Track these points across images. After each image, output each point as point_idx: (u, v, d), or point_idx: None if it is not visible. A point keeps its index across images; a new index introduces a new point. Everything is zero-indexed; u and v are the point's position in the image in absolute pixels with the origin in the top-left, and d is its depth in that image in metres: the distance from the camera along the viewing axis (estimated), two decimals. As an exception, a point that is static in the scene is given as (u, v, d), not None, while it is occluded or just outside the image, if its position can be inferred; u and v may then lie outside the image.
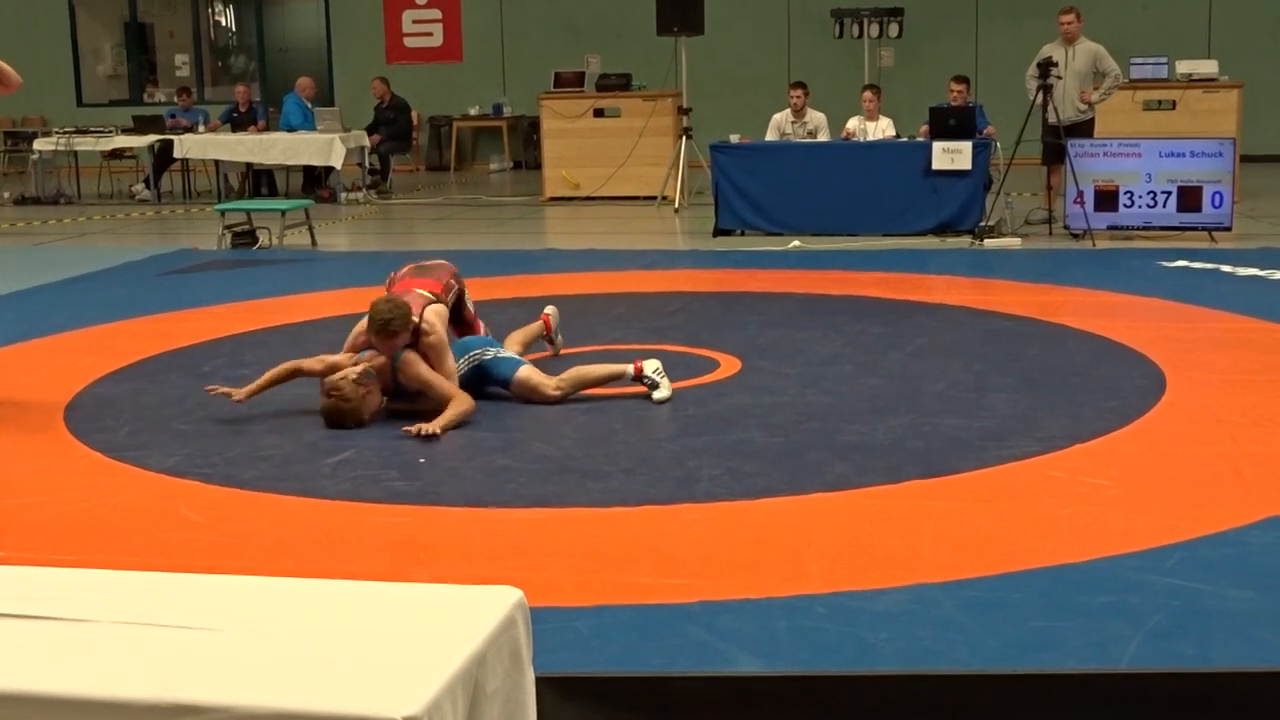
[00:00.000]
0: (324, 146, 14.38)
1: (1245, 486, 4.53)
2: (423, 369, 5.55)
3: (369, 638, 2.34)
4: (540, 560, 4.02)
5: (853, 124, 11.90)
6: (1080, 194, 10.50)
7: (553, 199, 14.30)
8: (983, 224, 10.59)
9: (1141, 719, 3.12)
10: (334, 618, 2.45)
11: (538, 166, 15.41)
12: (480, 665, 2.31)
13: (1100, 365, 6.32)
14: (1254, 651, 3.29)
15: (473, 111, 18.46)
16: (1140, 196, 10.55)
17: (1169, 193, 10.49)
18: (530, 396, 5.79)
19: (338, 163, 14.40)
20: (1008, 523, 4.26)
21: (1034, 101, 10.78)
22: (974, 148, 10.79)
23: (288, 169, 15.55)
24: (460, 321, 6.38)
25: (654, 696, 3.19)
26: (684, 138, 13.26)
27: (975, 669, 3.22)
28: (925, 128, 11.34)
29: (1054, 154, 10.90)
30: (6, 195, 15.39)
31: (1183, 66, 12.93)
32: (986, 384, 6.01)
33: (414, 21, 19.06)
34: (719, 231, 11.32)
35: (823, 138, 11.97)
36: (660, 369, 5.86)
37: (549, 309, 6.74)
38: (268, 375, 5.71)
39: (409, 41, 19.09)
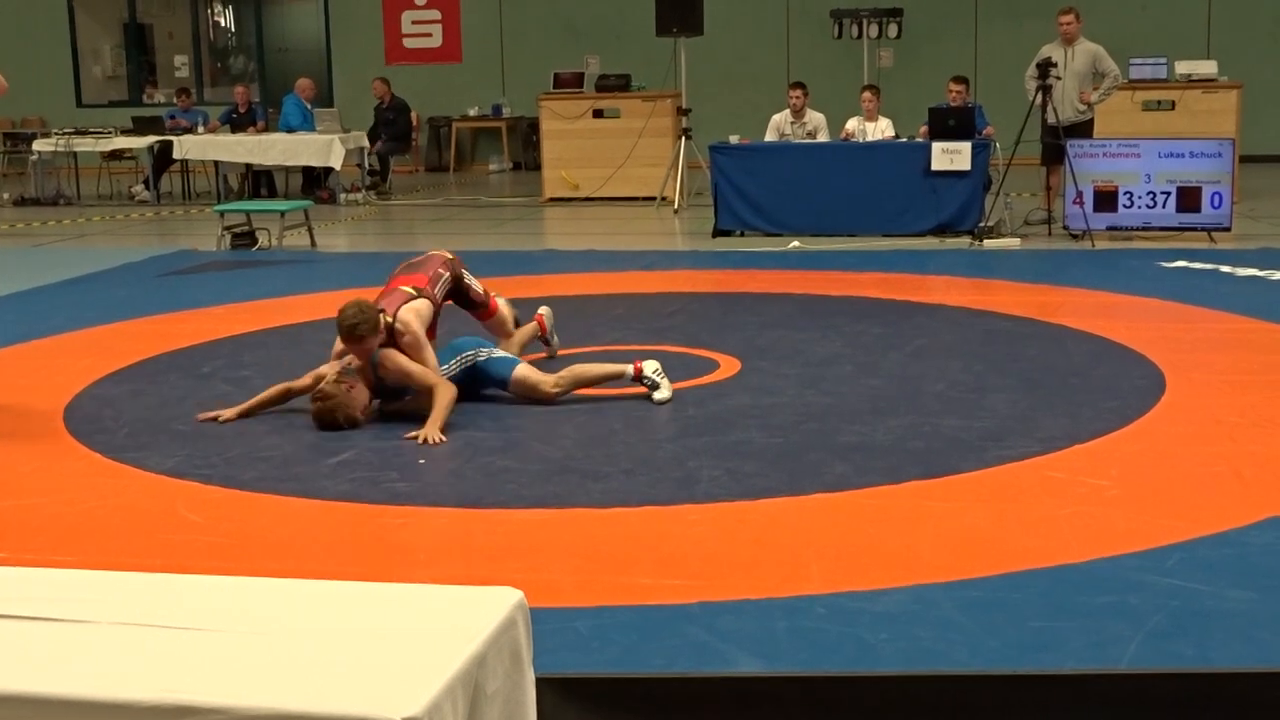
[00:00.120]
0: (323, 147, 14.38)
1: (1245, 487, 4.53)
2: (401, 359, 5.54)
3: (369, 638, 2.34)
4: (540, 561, 4.02)
5: (852, 124, 11.89)
6: (1079, 194, 10.49)
7: (552, 200, 14.30)
8: (982, 224, 10.59)
9: (1141, 719, 3.12)
10: (334, 618, 2.45)
11: (537, 167, 15.40)
12: (480, 666, 2.31)
13: (1100, 366, 6.32)
14: (1254, 652, 3.29)
15: (472, 112, 18.46)
16: (1139, 197, 10.55)
17: (1168, 193, 10.49)
18: (528, 395, 5.78)
19: (337, 164, 14.40)
20: (1008, 523, 4.26)
21: (1033, 102, 10.78)
22: (973, 148, 10.78)
23: (287, 170, 15.55)
24: (469, 304, 6.34)
25: (654, 697, 3.19)
26: (683, 138, 13.26)
27: (975, 669, 3.22)
28: (924, 128, 11.34)
29: (1053, 154, 10.89)
30: (6, 196, 15.38)
31: (1182, 67, 12.92)
32: (986, 384, 6.01)
33: (413, 22, 19.06)
34: (718, 232, 11.32)
35: (822, 138, 11.96)
36: (660, 369, 5.85)
37: (542, 309, 6.71)
38: (258, 397, 5.72)
39: (408, 42, 19.09)
